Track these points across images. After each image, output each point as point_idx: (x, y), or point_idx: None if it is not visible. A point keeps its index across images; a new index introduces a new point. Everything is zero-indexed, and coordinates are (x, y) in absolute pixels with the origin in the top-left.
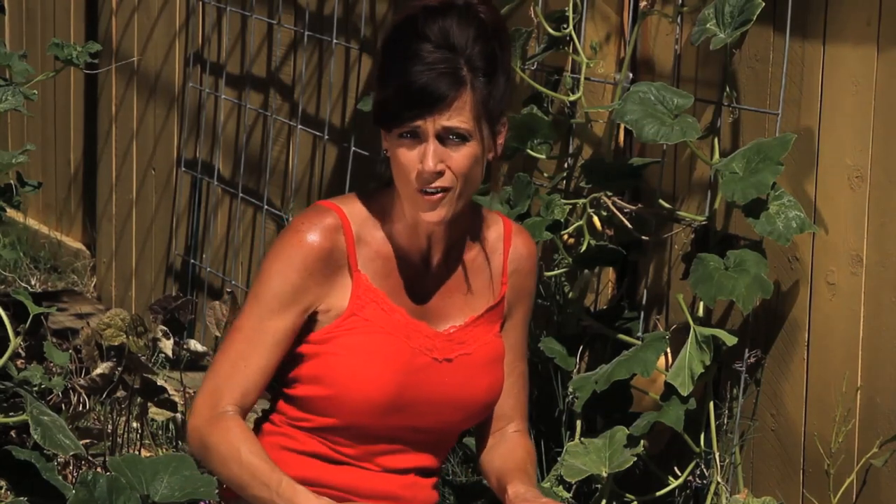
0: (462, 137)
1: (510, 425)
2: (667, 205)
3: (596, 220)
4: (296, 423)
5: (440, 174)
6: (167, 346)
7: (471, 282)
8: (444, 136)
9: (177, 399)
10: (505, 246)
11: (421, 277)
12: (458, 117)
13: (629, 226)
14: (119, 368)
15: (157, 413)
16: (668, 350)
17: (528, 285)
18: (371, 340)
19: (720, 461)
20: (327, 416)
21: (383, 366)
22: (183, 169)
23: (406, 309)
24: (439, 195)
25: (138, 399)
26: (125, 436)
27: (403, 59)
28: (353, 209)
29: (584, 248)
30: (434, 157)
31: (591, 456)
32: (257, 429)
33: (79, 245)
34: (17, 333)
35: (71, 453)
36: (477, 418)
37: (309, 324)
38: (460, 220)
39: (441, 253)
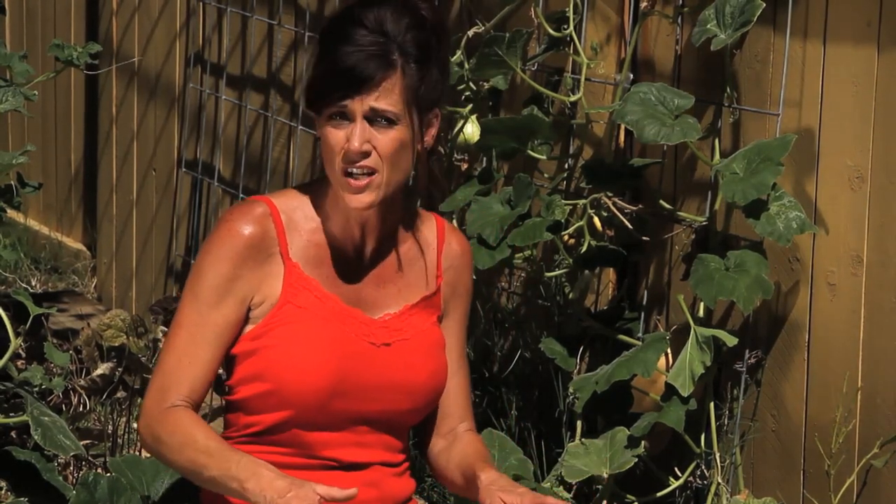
0: (390, 121)
1: (461, 425)
2: (667, 205)
3: (596, 220)
4: (247, 432)
5: (366, 154)
6: None
7: (405, 272)
8: (372, 118)
9: None
10: (439, 242)
11: (354, 267)
12: (385, 99)
13: (630, 226)
14: (119, 369)
15: None
16: (669, 351)
17: (464, 282)
18: (306, 328)
19: (721, 462)
20: (273, 413)
21: (320, 352)
22: (183, 169)
23: (340, 297)
24: (365, 180)
25: (139, 400)
26: (126, 436)
27: (336, 42)
28: (284, 200)
29: (584, 248)
30: (360, 136)
31: (592, 457)
32: None
33: (79, 246)
34: (17, 334)
35: (71, 454)
36: (424, 408)
37: (244, 323)
38: (393, 212)
39: (374, 243)
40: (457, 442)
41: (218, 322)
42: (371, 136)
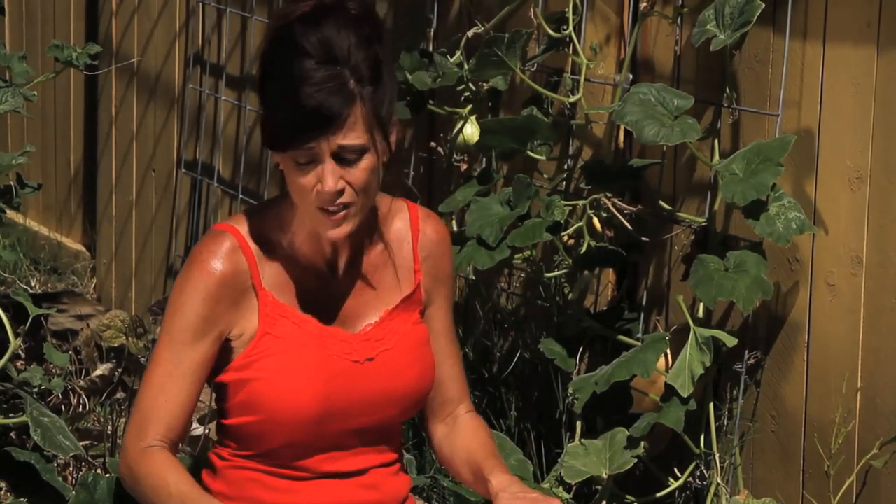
0: (358, 152)
1: (459, 408)
2: (667, 206)
3: (596, 221)
4: (241, 453)
5: (340, 192)
6: None
7: (381, 277)
8: (340, 154)
9: None
10: (413, 234)
11: (329, 283)
12: (352, 134)
13: (629, 227)
14: (119, 370)
15: None
16: (668, 351)
17: (445, 268)
18: (287, 358)
19: (720, 462)
20: (266, 441)
21: (304, 379)
22: (183, 170)
23: (317, 318)
24: (342, 213)
25: None
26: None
27: (287, 80)
28: (250, 226)
29: (584, 249)
30: (333, 176)
31: (592, 457)
32: (208, 463)
33: (79, 246)
34: (17, 335)
35: (71, 454)
36: (414, 408)
37: (226, 352)
38: (366, 219)
39: (347, 253)
40: (458, 428)
41: (195, 360)
42: (342, 172)
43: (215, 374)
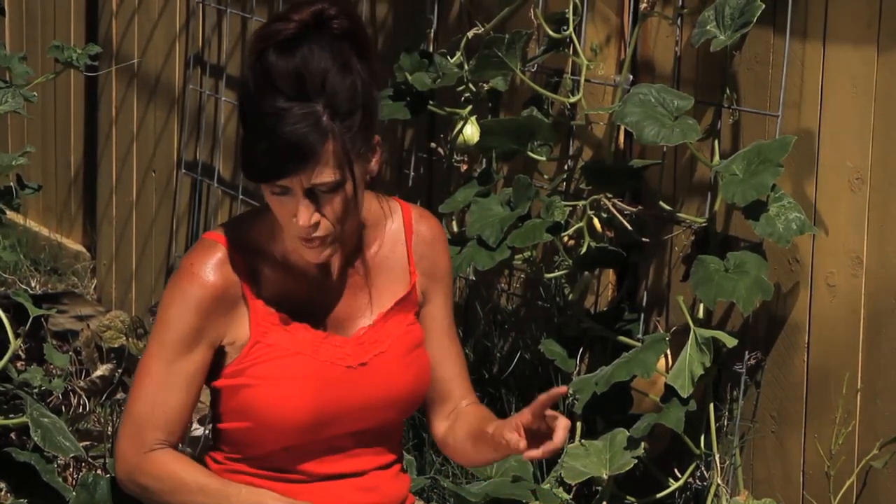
0: (332, 188)
1: (462, 402)
2: (667, 206)
3: (596, 221)
4: (236, 457)
5: (316, 225)
6: None
7: (375, 279)
8: (314, 190)
9: None
10: (407, 235)
11: (322, 286)
12: (323, 171)
13: (629, 227)
14: (119, 370)
15: None
16: (669, 352)
17: (441, 267)
18: (279, 365)
19: (720, 463)
20: (259, 446)
21: (296, 388)
22: (183, 171)
23: (310, 323)
24: (318, 242)
25: None
26: None
27: (260, 116)
28: (241, 235)
29: (584, 249)
30: (306, 213)
31: (592, 458)
32: (204, 466)
33: (79, 247)
34: (17, 335)
35: (71, 455)
36: (411, 410)
37: (219, 358)
38: (356, 223)
39: (339, 260)
40: (460, 418)
41: (188, 369)
42: (317, 206)
43: (211, 377)
